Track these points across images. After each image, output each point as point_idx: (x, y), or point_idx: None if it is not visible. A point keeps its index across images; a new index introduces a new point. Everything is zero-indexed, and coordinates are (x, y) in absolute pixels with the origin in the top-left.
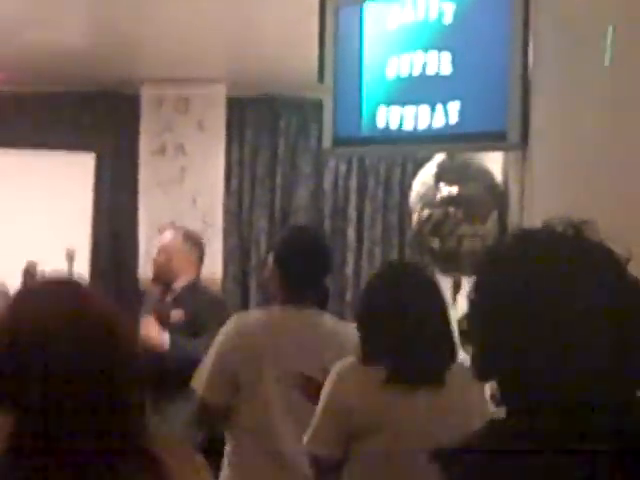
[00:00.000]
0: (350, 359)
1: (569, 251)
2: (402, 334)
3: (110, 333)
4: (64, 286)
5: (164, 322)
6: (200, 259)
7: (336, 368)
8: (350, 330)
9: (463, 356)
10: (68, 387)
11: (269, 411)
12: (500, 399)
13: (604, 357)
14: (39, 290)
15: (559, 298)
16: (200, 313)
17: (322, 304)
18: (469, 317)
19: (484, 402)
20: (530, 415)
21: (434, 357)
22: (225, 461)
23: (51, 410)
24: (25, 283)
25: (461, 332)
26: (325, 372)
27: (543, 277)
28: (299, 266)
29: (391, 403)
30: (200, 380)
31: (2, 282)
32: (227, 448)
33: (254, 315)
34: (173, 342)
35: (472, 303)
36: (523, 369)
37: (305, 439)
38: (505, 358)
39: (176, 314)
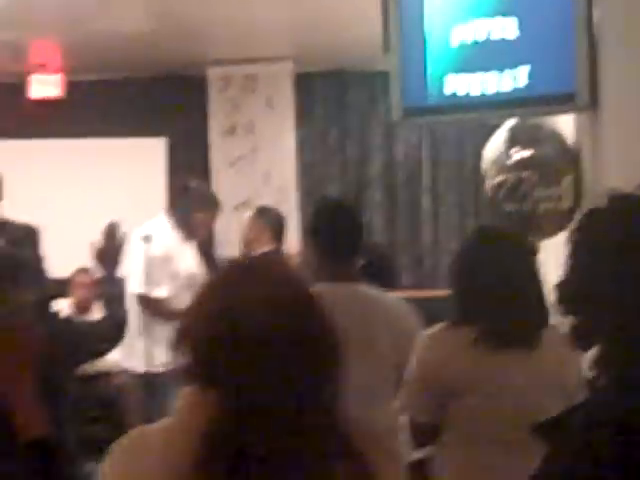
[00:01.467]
0: (440, 324)
1: None
2: (498, 295)
3: (315, 319)
4: (277, 270)
5: None
6: (277, 231)
7: (426, 332)
8: (395, 301)
9: (556, 320)
10: (279, 372)
11: None
12: (598, 366)
13: None
14: (250, 271)
15: None
16: None
17: (372, 276)
18: (568, 282)
19: (578, 365)
20: (633, 385)
21: (528, 319)
22: None
23: (256, 395)
24: (106, 243)
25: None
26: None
27: None
28: (335, 240)
29: (484, 364)
30: None
31: (85, 267)
32: None
33: None
34: None
35: (574, 267)
36: (627, 337)
37: (399, 405)
38: (610, 324)
39: None
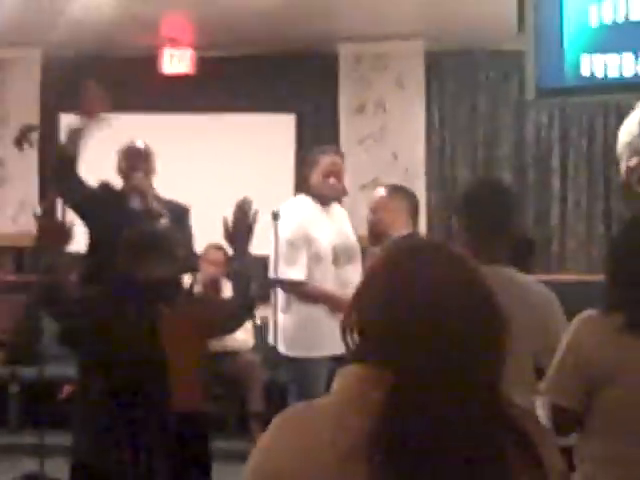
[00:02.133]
0: (591, 310)
1: None
2: None
3: (490, 301)
4: (447, 250)
5: None
6: (413, 212)
7: (580, 317)
8: (540, 288)
9: None
10: (450, 355)
11: None
12: None
13: None
14: (422, 250)
15: None
16: None
17: (517, 260)
18: None
19: None
20: None
21: None
22: None
23: (429, 375)
24: (237, 220)
25: None
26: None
27: None
28: (484, 219)
29: (632, 353)
30: None
31: (217, 245)
32: None
33: None
34: None
35: None
36: None
37: (543, 388)
38: None
39: None
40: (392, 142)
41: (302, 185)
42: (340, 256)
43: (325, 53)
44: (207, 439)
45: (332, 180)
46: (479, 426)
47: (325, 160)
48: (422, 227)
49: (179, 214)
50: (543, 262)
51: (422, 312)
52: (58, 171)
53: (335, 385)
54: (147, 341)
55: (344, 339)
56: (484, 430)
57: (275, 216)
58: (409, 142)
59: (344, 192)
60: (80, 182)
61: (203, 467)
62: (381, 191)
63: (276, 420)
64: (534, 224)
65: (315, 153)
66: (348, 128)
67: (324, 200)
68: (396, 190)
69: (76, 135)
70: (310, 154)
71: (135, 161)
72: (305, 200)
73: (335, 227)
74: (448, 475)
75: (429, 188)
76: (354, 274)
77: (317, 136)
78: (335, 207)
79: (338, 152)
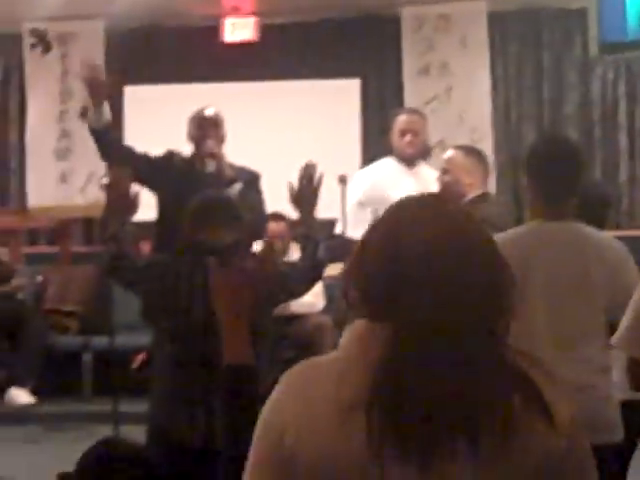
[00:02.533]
0: None
1: None
2: None
3: (489, 253)
4: (439, 201)
5: None
6: (486, 173)
7: None
8: (614, 243)
9: None
10: (449, 306)
11: (533, 327)
12: None
13: None
14: (417, 204)
15: None
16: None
17: (590, 216)
18: None
19: None
20: None
21: None
22: None
23: (426, 326)
24: (303, 184)
25: None
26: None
27: None
28: (552, 177)
29: None
30: None
31: (278, 212)
32: None
33: (513, 233)
34: None
35: None
36: None
37: (617, 341)
38: None
39: None
40: (457, 103)
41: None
42: None
43: (388, 16)
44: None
45: (408, 137)
46: (480, 376)
47: (400, 119)
48: (491, 187)
49: (250, 180)
50: (613, 218)
51: (416, 264)
52: (97, 148)
53: (340, 341)
54: (209, 304)
55: (345, 297)
56: (486, 380)
57: (342, 180)
58: (474, 103)
59: (425, 150)
60: (127, 152)
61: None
62: (455, 151)
63: (284, 376)
64: (603, 181)
65: (392, 115)
66: (412, 91)
67: (408, 160)
68: (471, 151)
69: (86, 111)
70: (390, 117)
71: (207, 128)
72: (387, 162)
73: (420, 188)
74: (447, 427)
75: (496, 148)
76: None
77: (382, 100)
78: (423, 168)
79: (415, 111)
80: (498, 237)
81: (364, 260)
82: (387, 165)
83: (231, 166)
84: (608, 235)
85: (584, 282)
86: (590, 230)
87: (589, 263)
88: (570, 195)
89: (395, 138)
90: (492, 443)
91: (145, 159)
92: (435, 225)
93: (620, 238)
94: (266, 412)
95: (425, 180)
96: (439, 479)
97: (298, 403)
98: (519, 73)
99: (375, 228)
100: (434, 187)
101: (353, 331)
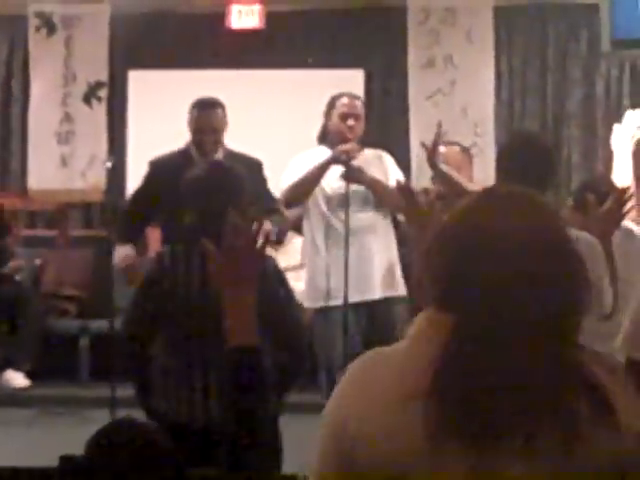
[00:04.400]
0: None
1: None
2: None
3: (562, 250)
4: (524, 197)
5: None
6: (472, 171)
7: None
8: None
9: None
10: (520, 302)
11: None
12: None
13: None
14: (498, 197)
15: None
16: None
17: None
18: None
19: None
20: None
21: None
22: None
23: (496, 321)
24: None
25: None
26: None
27: None
28: (519, 170)
29: None
30: None
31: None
32: None
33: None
34: None
35: None
36: None
37: (619, 343)
38: None
39: None
40: (461, 97)
41: (322, 137)
42: (352, 203)
43: (394, 7)
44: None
45: (350, 122)
46: (544, 376)
47: (340, 102)
48: (492, 181)
49: (252, 168)
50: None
51: (484, 256)
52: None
53: (408, 331)
54: (210, 287)
55: (417, 286)
56: (550, 381)
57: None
58: (478, 97)
59: (358, 136)
60: (137, 228)
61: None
62: (450, 148)
63: (349, 367)
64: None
65: (330, 99)
66: (417, 83)
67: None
68: (464, 148)
69: None
70: (328, 101)
71: (204, 128)
72: (321, 150)
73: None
74: (505, 423)
75: (498, 143)
76: (369, 220)
77: (386, 91)
78: (362, 153)
79: (356, 96)
80: None
81: (435, 248)
82: (321, 154)
83: (232, 153)
84: (582, 233)
85: None
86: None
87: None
88: (540, 190)
89: (334, 122)
90: (551, 446)
91: (144, 207)
92: (508, 220)
93: None
94: (330, 405)
95: (364, 166)
96: (492, 475)
97: (360, 395)
98: (523, 68)
99: (452, 217)
100: (379, 172)
101: (420, 321)
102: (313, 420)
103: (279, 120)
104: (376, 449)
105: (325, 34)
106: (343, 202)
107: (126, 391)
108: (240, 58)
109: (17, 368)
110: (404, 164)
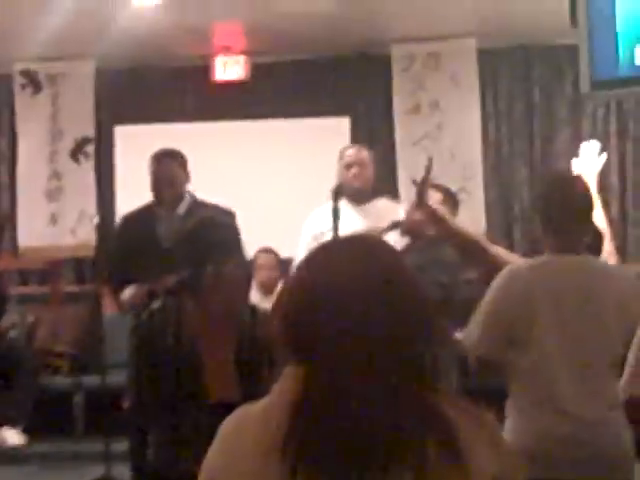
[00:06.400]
0: None
1: None
2: None
3: (411, 297)
4: (359, 243)
5: None
6: (455, 215)
7: None
8: (626, 274)
9: None
10: (363, 346)
11: (546, 360)
12: None
13: None
14: (335, 247)
15: None
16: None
17: (594, 249)
18: None
19: None
20: None
21: None
22: (507, 412)
23: (342, 368)
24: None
25: None
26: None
27: None
28: (561, 211)
29: None
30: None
31: (269, 248)
32: (508, 399)
33: (524, 265)
34: None
35: None
36: None
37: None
38: None
39: None
40: (448, 141)
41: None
42: None
43: (378, 55)
44: None
45: (354, 170)
46: (390, 415)
47: (345, 153)
48: (482, 224)
49: (225, 218)
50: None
51: (323, 305)
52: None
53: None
54: (185, 341)
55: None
56: (397, 420)
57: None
58: (466, 140)
59: (367, 183)
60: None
61: None
62: (434, 191)
63: (222, 424)
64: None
65: (339, 152)
66: (403, 129)
67: (356, 196)
68: (448, 192)
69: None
70: (338, 156)
71: (161, 182)
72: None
73: (370, 225)
74: (356, 466)
75: (487, 185)
76: None
77: (372, 138)
78: (379, 203)
79: (361, 147)
80: (508, 269)
81: (283, 303)
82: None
83: (204, 203)
84: (624, 269)
85: (596, 317)
86: (604, 264)
87: (603, 298)
88: (580, 228)
89: (341, 173)
90: None
91: (120, 261)
92: (344, 267)
93: None
94: (206, 458)
95: (377, 216)
96: None
97: (227, 449)
98: (509, 110)
99: (297, 270)
100: (390, 219)
101: (282, 375)
102: None
103: (267, 170)
104: None
105: (310, 83)
106: None
107: (121, 446)
108: (226, 110)
109: (13, 426)
110: None
